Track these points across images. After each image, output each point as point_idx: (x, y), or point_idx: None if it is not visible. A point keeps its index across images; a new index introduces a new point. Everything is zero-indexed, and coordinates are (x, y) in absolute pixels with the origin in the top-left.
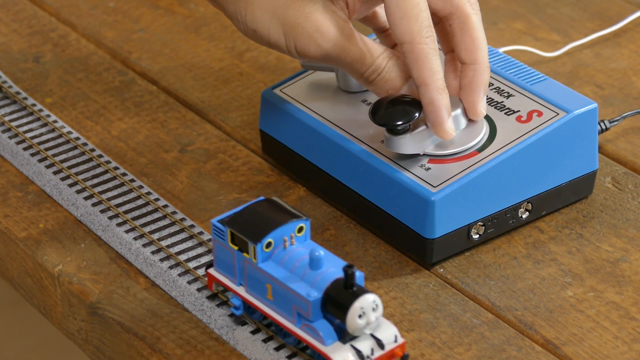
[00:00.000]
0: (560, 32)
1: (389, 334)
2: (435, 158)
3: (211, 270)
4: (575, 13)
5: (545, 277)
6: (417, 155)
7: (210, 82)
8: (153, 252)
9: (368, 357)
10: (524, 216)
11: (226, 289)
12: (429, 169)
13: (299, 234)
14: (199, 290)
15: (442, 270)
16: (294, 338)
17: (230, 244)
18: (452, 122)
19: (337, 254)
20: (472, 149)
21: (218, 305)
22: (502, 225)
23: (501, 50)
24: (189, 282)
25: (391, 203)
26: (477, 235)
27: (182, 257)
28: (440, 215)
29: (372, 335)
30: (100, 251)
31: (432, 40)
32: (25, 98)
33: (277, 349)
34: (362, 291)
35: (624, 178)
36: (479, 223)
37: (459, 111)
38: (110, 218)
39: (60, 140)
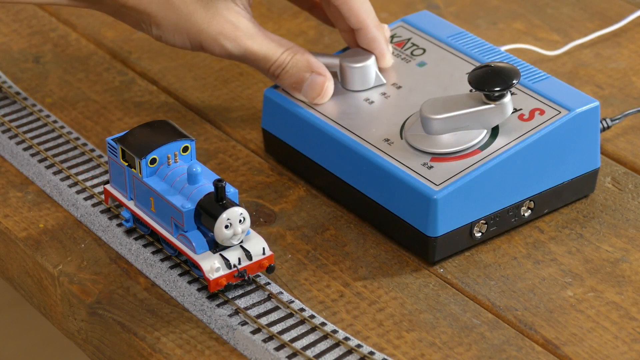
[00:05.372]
0: (560, 32)
1: (258, 246)
2: (437, 156)
3: (107, 186)
4: (575, 13)
5: (545, 277)
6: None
7: (210, 82)
8: (153, 252)
9: (235, 265)
10: (526, 214)
11: (120, 203)
12: (431, 167)
13: (184, 154)
14: (199, 290)
15: (442, 270)
16: (175, 249)
17: (121, 160)
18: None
19: (337, 254)
20: (475, 147)
21: (218, 306)
22: (504, 223)
23: (502, 48)
24: (189, 282)
25: (394, 201)
26: (480, 234)
27: (182, 257)
28: (442, 213)
29: (242, 247)
30: (100, 251)
31: None
32: (25, 98)
33: (277, 349)
34: (231, 204)
35: (624, 178)
36: (482, 221)
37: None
38: (110, 218)
39: (60, 141)
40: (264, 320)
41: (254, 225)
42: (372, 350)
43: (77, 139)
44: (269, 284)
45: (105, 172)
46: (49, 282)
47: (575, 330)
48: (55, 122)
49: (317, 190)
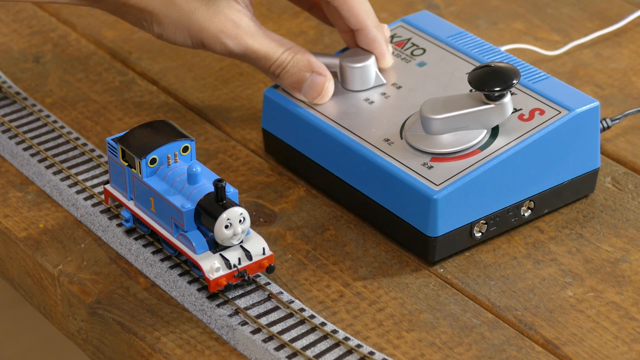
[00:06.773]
0: (560, 32)
1: (258, 246)
2: (437, 156)
3: (107, 186)
4: (575, 13)
5: (545, 277)
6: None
7: (210, 82)
8: (153, 252)
9: (235, 265)
10: (526, 214)
11: (120, 203)
12: (431, 167)
13: (184, 154)
14: (199, 290)
15: (442, 270)
16: (175, 249)
17: (122, 160)
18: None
19: (337, 254)
20: (475, 147)
21: (218, 306)
22: (504, 223)
23: (502, 48)
24: (189, 282)
25: (394, 201)
26: (480, 234)
27: (182, 257)
28: (442, 213)
29: (242, 247)
30: (100, 251)
31: None
32: (25, 98)
33: (277, 349)
34: (231, 204)
35: (624, 178)
36: (482, 221)
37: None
38: (110, 218)
39: (60, 141)
40: (264, 320)
41: (254, 225)
42: (372, 350)
43: (77, 139)
44: (269, 284)
45: (105, 172)
46: (49, 282)
47: (575, 330)
48: (55, 122)
49: (317, 190)
